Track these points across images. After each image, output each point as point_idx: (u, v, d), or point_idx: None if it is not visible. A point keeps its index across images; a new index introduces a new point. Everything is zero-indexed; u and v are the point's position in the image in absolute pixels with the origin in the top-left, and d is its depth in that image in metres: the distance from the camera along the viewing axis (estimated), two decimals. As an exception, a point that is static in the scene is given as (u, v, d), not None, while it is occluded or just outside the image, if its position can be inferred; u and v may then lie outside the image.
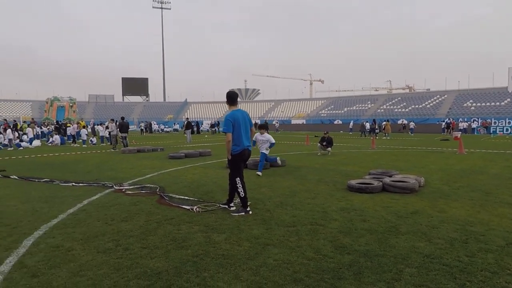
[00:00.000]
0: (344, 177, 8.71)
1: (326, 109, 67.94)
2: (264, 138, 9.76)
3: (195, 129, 36.50)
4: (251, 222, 4.96)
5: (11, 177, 9.18)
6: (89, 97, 80.00)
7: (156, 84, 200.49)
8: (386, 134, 29.36)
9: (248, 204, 5.53)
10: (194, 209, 5.59)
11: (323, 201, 6.24)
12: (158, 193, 6.91)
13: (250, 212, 5.42)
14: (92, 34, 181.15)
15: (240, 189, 5.40)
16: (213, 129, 42.40)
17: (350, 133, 40.40)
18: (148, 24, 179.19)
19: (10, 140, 19.05)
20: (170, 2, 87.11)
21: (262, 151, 9.69)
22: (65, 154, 16.35)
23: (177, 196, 6.65)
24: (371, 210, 5.61)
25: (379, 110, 59.50)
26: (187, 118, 26.28)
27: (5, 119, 31.45)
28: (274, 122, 51.31)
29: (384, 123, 30.48)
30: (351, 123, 43.98)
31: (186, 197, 6.57)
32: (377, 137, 27.61)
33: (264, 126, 10.09)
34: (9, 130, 19.57)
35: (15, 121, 28.88)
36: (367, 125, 33.17)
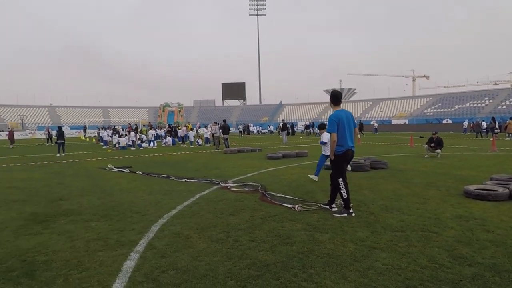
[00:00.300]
0: (458, 182, 7.83)
1: (433, 107, 61.70)
2: (323, 139, 8.89)
3: (290, 130, 37.00)
4: (354, 224, 4.85)
5: (137, 172, 10.68)
6: (194, 102, 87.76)
7: (252, 88, 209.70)
8: (509, 135, 25.29)
9: (350, 205, 5.41)
10: (296, 208, 5.70)
11: (435, 207, 5.72)
12: (260, 191, 7.24)
13: (353, 214, 5.29)
14: (195, 45, 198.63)
15: (343, 190, 5.32)
16: (308, 130, 42.31)
17: (465, 133, 35.76)
18: (244, 31, 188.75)
19: (133, 141, 22.18)
20: (265, 9, 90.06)
21: (323, 153, 8.89)
22: (176, 153, 18.27)
23: (279, 195, 6.87)
24: (496, 219, 4.94)
25: (500, 107, 51.55)
26: (283, 120, 26.82)
27: (129, 123, 36.51)
28: (372, 123, 48.65)
29: (508, 121, 26.28)
30: (465, 122, 38.65)
31: (287, 196, 6.75)
32: (498, 138, 23.97)
33: (322, 126, 9.39)
34: (132, 133, 22.83)
35: (136, 125, 33.55)
36: (484, 124, 29.01)
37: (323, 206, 5.80)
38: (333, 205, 5.69)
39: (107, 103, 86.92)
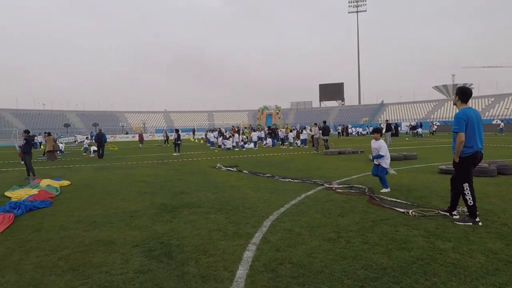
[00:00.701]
0: None
1: None
2: (375, 146, 7.59)
3: (394, 131, 34.55)
4: (483, 235, 4.35)
5: (244, 171, 11.38)
6: (291, 104, 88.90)
7: (351, 87, 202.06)
8: None
9: (477, 214, 4.86)
10: (410, 213, 5.37)
11: None
12: (368, 193, 7.01)
13: (480, 223, 4.75)
14: (291, 48, 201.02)
15: (469, 197, 4.81)
16: (415, 131, 38.90)
17: None
18: (340, 29, 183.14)
19: (237, 142, 23.65)
20: (365, 4, 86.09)
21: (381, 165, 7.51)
22: (277, 154, 18.81)
23: (389, 198, 6.56)
24: None
25: None
26: (387, 120, 25.26)
27: (233, 126, 38.90)
28: (495, 121, 42.22)
29: None
30: None
31: (398, 200, 6.39)
32: None
33: (376, 130, 7.82)
34: (236, 135, 24.37)
35: (238, 127, 35.66)
36: None
37: (441, 212, 5.34)
38: (454, 212, 5.19)
39: (212, 107, 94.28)
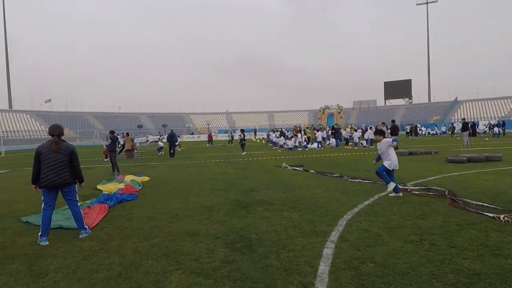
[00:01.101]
0: None
1: None
2: (379, 147, 7.43)
3: (471, 131, 31.67)
4: None
5: (310, 171, 11.36)
6: (353, 104, 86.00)
7: (419, 84, 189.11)
8: None
9: None
10: (502, 218, 4.95)
11: None
12: (448, 196, 6.59)
13: None
14: (353, 45, 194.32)
15: None
16: (498, 130, 35.24)
17: None
18: (408, 22, 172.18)
19: (299, 142, 23.61)
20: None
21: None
22: (342, 154, 18.40)
23: (474, 202, 6.09)
24: None
25: None
26: (463, 119, 23.25)
27: (295, 126, 38.79)
28: None
29: None
30: None
31: (485, 204, 5.91)
32: None
33: (378, 132, 7.59)
34: (299, 134, 24.34)
35: (299, 127, 35.56)
36: None
37: (540, 219, 4.84)
38: (557, 219, 4.67)
39: (272, 108, 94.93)
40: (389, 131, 18.52)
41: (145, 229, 5.22)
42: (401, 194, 7.02)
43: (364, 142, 23.36)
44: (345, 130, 25.99)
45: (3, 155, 27.21)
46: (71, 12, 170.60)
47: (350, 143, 24.37)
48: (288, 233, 4.76)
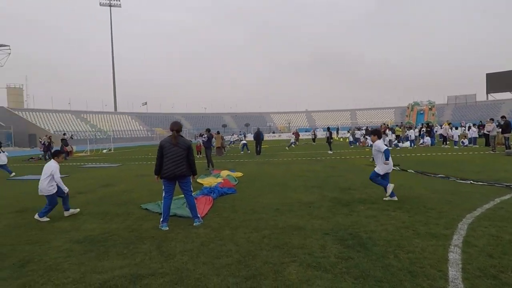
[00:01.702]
0: None
1: None
2: (375, 148, 6.90)
3: None
4: None
5: (408, 171, 10.60)
6: (448, 99, 78.09)
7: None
8: None
9: None
10: None
11: None
12: None
13: None
14: (442, 37, 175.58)
15: None
16: None
17: None
18: (509, 5, 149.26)
19: (390, 141, 22.22)
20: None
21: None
22: (440, 154, 16.79)
23: None
24: None
25: None
26: None
27: (384, 123, 36.82)
28: None
29: None
30: None
31: None
32: None
33: (373, 132, 7.13)
34: (389, 132, 22.92)
35: (387, 124, 33.55)
36: None
37: None
38: None
39: (354, 106, 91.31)
40: (500, 129, 16.30)
41: (251, 221, 5.42)
42: (395, 198, 6.49)
43: (466, 141, 20.97)
44: (441, 127, 23.62)
45: (112, 151, 31.05)
46: (155, 23, 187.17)
47: (448, 142, 22.10)
48: (402, 233, 4.48)
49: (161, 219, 5.24)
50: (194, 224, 5.30)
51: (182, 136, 5.41)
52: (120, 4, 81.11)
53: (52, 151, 21.20)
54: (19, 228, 5.52)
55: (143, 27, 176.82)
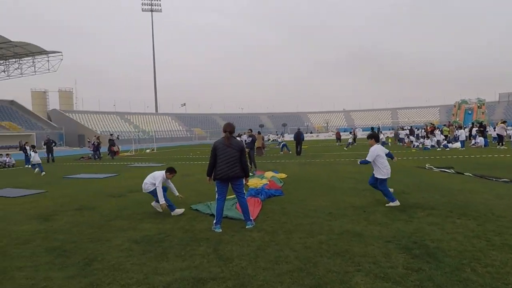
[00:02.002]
0: None
1: None
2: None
3: None
4: None
5: (465, 174, 9.91)
6: (500, 96, 72.98)
7: None
8: None
9: None
10: None
11: None
12: None
13: None
14: (490, 27, 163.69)
15: None
16: None
17: None
18: None
19: (438, 141, 21.06)
20: None
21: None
22: (497, 156, 15.61)
23: None
24: None
25: None
26: None
27: (431, 123, 34.93)
28: None
29: None
30: None
31: None
32: None
33: (370, 136, 6.99)
34: (437, 132, 21.74)
35: (432, 124, 31.89)
36: None
37: None
38: None
39: (395, 105, 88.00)
40: None
41: (304, 225, 5.26)
42: (398, 203, 6.26)
43: (525, 142, 19.32)
44: (495, 128, 21.96)
45: (155, 151, 32.12)
46: (193, 25, 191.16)
47: (505, 143, 20.50)
48: (474, 244, 4.12)
49: (214, 221, 5.23)
50: (247, 227, 5.24)
51: (234, 137, 5.37)
52: (160, 9, 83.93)
53: (111, 150, 22.13)
54: (79, 225, 5.75)
55: (182, 30, 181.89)
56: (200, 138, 70.51)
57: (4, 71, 51.29)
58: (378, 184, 6.56)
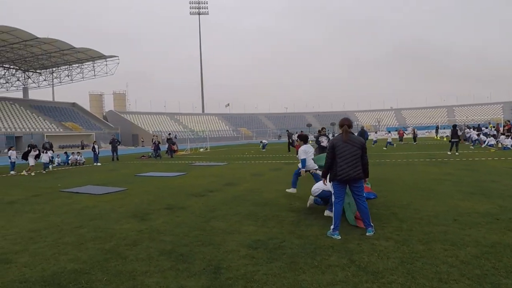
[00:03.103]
0: None
1: None
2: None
3: None
4: None
5: None
6: None
7: None
8: None
9: None
10: None
11: None
12: None
13: None
14: None
15: None
16: None
17: None
18: None
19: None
20: None
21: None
22: None
23: None
24: None
25: None
26: None
27: (509, 121, 31.89)
28: None
29: None
30: None
31: None
32: None
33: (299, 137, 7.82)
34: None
35: (509, 121, 29.02)
36: None
37: None
38: None
39: (452, 102, 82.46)
40: None
41: (436, 233, 4.54)
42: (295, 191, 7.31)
43: None
44: None
45: (208, 150, 32.44)
46: (238, 25, 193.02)
47: None
48: None
49: (332, 226, 4.67)
50: (367, 234, 4.64)
51: (353, 133, 4.80)
52: (207, 12, 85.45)
53: (171, 148, 22.72)
54: (179, 226, 5.47)
55: (226, 31, 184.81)
56: (247, 137, 70.79)
57: (68, 75, 54.96)
58: (296, 173, 7.50)
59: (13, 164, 15.57)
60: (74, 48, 45.94)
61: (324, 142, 11.90)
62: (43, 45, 43.85)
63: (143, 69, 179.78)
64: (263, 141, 30.97)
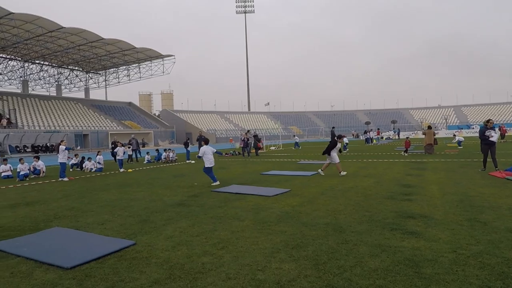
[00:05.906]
0: None
1: None
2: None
3: None
4: None
5: None
6: None
7: None
8: None
9: None
10: None
11: None
12: None
13: None
14: None
15: None
16: None
17: None
18: None
19: None
20: None
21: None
22: None
23: None
24: None
25: None
26: None
27: None
28: None
29: None
30: None
31: None
32: None
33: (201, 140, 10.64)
34: None
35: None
36: None
37: None
38: None
39: (518, 98, 75.97)
40: None
41: None
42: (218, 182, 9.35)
43: None
44: None
45: (281, 148, 31.24)
46: (282, 24, 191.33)
47: None
48: None
49: None
50: None
51: None
52: (253, 10, 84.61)
53: (257, 146, 21.75)
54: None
55: (272, 30, 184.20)
56: (299, 136, 69.28)
57: (127, 75, 56.26)
58: (204, 169, 9.91)
59: (120, 162, 15.18)
60: (135, 48, 46.70)
61: (494, 136, 10.15)
62: (107, 46, 44.91)
63: (195, 69, 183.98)
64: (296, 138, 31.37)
